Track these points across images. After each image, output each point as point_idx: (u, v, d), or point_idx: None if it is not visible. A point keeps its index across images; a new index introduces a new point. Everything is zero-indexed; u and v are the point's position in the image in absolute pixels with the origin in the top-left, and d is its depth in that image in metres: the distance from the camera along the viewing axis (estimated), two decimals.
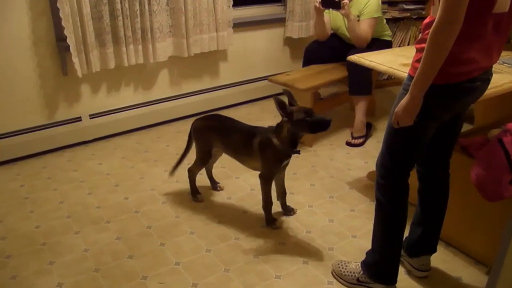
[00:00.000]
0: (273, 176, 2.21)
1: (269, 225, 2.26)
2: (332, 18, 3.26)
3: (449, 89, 1.46)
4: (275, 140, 2.09)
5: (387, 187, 1.69)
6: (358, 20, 3.07)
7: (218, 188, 2.61)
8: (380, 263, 1.79)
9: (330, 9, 3.16)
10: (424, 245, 1.91)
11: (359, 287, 1.86)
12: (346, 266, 1.92)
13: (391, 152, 1.65)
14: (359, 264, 1.88)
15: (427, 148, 1.66)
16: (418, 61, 1.43)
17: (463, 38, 1.32)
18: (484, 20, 1.37)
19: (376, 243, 1.78)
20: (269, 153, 2.12)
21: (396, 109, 1.50)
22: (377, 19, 3.10)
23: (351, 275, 1.88)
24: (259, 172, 2.22)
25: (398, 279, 1.80)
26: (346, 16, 2.99)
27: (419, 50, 1.46)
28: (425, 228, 1.87)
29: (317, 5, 3.06)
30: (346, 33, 3.19)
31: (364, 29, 3.05)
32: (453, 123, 1.67)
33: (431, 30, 1.32)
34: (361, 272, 1.85)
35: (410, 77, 1.49)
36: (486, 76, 1.52)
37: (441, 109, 1.53)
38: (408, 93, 1.45)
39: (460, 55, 1.39)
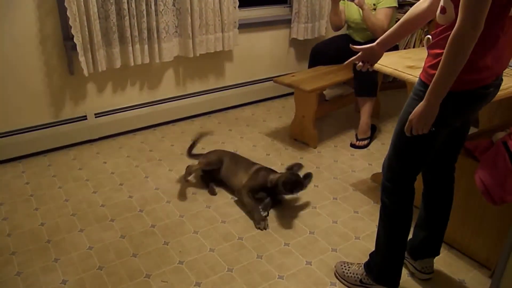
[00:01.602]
0: (251, 190, 2.40)
1: (258, 225, 2.29)
2: (347, 8, 3.31)
3: (464, 96, 1.44)
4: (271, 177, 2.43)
5: (392, 190, 1.68)
6: (374, 9, 3.10)
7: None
8: (384, 265, 1.79)
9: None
10: (427, 248, 1.91)
11: None
12: (349, 267, 1.92)
13: (399, 156, 1.64)
14: (362, 265, 1.88)
15: (434, 151, 1.65)
16: (431, 66, 1.42)
17: (480, 44, 1.29)
18: (501, 23, 1.36)
19: (380, 245, 1.78)
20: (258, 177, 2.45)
21: (410, 117, 1.45)
22: (393, 9, 3.12)
23: (354, 277, 1.88)
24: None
25: (401, 281, 1.80)
26: (360, 5, 3.03)
27: (431, 55, 1.45)
28: (429, 231, 1.87)
29: None
30: (358, 20, 3.21)
31: (380, 18, 3.06)
32: (460, 127, 1.67)
33: (451, 36, 1.29)
34: (364, 273, 1.85)
35: (422, 82, 1.47)
36: (498, 82, 1.50)
37: (454, 116, 1.51)
38: (424, 100, 1.40)
39: (477, 62, 1.37)
